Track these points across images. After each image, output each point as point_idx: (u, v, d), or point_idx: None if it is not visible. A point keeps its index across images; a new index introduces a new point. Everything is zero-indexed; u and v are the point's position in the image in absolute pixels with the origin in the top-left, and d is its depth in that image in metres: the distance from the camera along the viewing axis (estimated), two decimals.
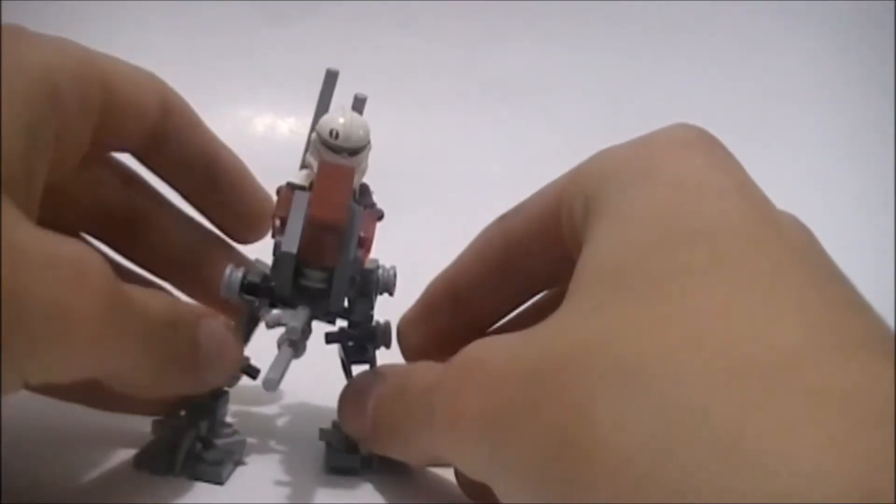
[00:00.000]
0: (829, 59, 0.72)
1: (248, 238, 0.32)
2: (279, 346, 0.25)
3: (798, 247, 0.20)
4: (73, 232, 0.30)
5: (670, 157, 0.22)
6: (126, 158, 0.30)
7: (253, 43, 0.68)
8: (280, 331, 0.26)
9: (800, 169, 0.67)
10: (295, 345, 0.25)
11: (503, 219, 0.27)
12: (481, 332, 0.28)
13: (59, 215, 0.25)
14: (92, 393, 0.25)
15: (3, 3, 0.53)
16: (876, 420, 0.15)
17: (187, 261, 0.32)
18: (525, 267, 0.27)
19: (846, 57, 0.72)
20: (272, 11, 0.69)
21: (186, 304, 0.27)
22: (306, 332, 0.26)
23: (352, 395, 0.29)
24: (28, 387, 0.21)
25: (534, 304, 0.29)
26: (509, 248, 0.27)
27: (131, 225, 0.31)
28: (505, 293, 0.28)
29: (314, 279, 0.27)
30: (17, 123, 0.22)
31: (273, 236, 0.27)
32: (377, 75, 0.67)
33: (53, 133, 0.23)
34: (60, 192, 0.25)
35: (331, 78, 0.28)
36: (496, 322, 0.29)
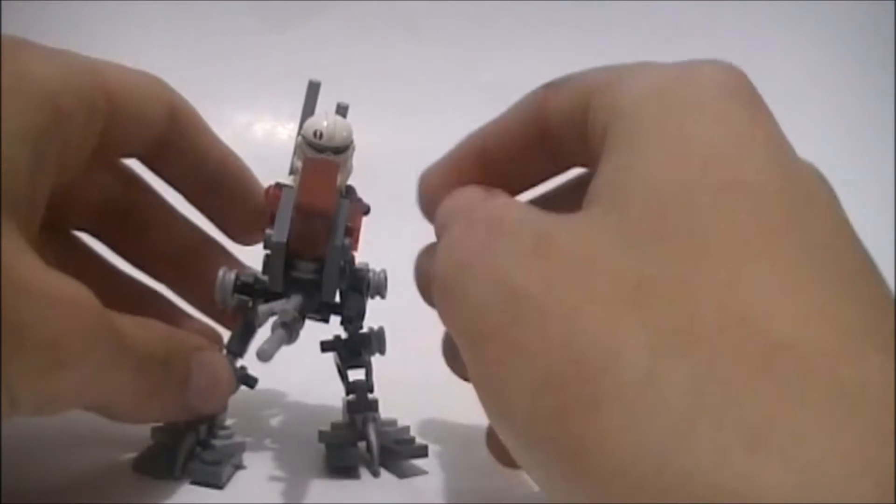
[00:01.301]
0: (828, 61, 0.72)
1: (250, 239, 0.32)
2: (273, 330, 0.25)
3: (827, 226, 0.19)
4: (70, 229, 0.30)
5: (717, 97, 0.21)
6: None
7: (253, 49, 0.69)
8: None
9: None
10: (287, 327, 0.25)
11: (547, 87, 0.26)
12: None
13: (57, 215, 0.25)
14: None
15: (4, 4, 0.53)
16: (888, 426, 0.15)
17: (183, 263, 0.32)
18: (559, 145, 0.26)
19: (846, 59, 0.72)
20: (272, 17, 0.69)
21: (181, 335, 0.27)
22: (298, 319, 0.26)
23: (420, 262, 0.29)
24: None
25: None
26: (548, 122, 0.26)
27: (129, 225, 0.31)
28: (536, 161, 0.27)
29: (305, 270, 0.27)
30: (22, 140, 0.22)
31: (263, 231, 0.27)
32: (376, 80, 0.67)
33: (58, 149, 0.23)
34: (60, 194, 0.25)
35: (313, 89, 0.29)
36: (522, 191, 0.28)
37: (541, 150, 0.26)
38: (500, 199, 0.24)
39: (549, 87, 0.26)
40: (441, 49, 0.70)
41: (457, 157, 0.29)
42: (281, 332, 0.25)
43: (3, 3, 0.54)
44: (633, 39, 0.72)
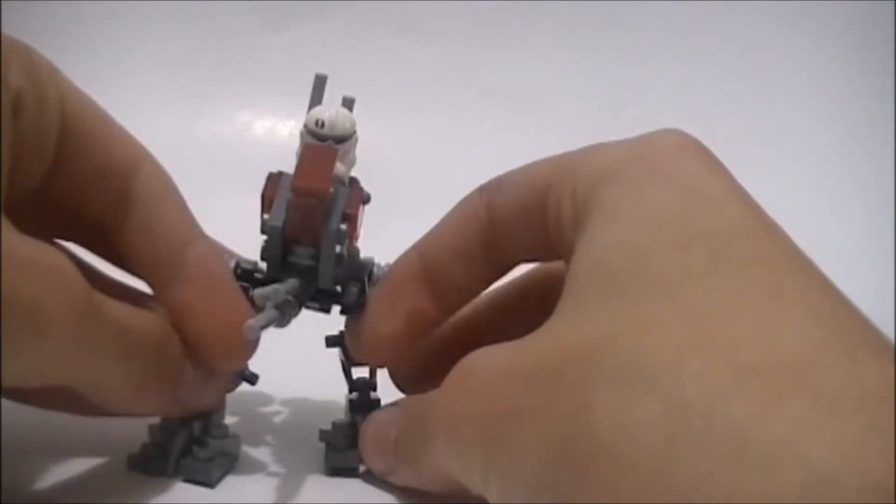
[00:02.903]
0: (828, 61, 0.72)
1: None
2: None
3: (794, 252, 0.20)
4: (51, 238, 0.30)
5: (668, 160, 0.22)
6: None
7: (253, 48, 0.68)
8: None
9: (800, 173, 0.67)
10: (280, 308, 0.25)
11: (484, 191, 0.27)
12: (452, 312, 0.28)
13: (36, 221, 0.24)
14: (72, 401, 0.25)
15: (4, 4, 0.53)
16: (887, 421, 0.15)
17: None
18: (507, 245, 0.27)
19: (846, 59, 0.72)
20: (272, 17, 0.69)
21: None
22: (292, 303, 0.26)
23: (373, 428, 0.28)
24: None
25: (523, 310, 0.28)
26: (494, 223, 0.26)
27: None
28: (482, 269, 0.27)
29: (303, 256, 0.27)
30: None
31: (262, 215, 0.27)
32: (376, 80, 0.67)
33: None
34: (39, 198, 0.24)
35: (320, 83, 0.29)
36: (469, 300, 0.28)
37: (483, 253, 0.27)
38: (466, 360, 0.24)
39: (486, 189, 0.27)
40: (441, 49, 0.70)
41: (399, 278, 0.28)
42: (272, 311, 0.25)
43: (2, 3, 0.54)
44: (634, 39, 0.72)
